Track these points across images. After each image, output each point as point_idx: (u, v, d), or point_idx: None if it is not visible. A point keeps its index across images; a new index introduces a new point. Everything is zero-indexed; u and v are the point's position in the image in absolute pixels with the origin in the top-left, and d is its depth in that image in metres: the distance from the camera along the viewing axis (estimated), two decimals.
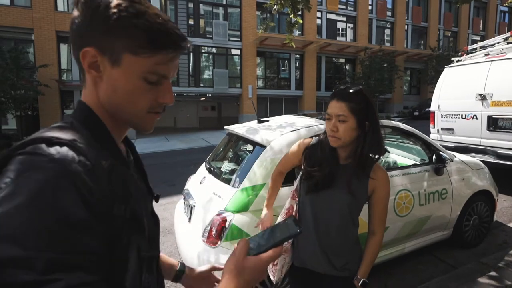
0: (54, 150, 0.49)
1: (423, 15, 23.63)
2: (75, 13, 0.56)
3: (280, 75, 20.42)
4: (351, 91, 1.24)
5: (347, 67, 22.24)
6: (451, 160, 2.98)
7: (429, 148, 2.98)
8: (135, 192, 0.60)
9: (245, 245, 0.64)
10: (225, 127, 3.17)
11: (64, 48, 15.36)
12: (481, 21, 26.15)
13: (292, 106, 20.28)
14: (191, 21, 17.52)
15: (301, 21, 3.53)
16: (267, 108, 19.81)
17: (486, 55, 5.26)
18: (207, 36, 17.72)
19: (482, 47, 5.57)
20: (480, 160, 3.64)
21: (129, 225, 0.56)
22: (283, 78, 20.35)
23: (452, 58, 5.98)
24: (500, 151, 4.66)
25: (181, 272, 0.92)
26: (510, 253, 2.83)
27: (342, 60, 22.11)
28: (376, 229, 1.34)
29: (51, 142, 0.50)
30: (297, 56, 20.01)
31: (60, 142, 0.51)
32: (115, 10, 0.54)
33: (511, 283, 2.24)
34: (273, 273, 1.53)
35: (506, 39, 5.24)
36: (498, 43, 5.34)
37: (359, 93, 1.23)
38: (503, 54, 4.84)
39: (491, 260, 2.80)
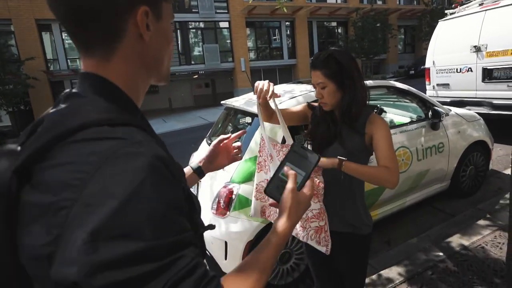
0: (126, 132, 0.46)
1: None
2: None
3: (271, 45, 19.97)
4: (322, 58, 1.31)
5: (340, 30, 21.70)
6: (447, 114, 3.04)
7: (424, 104, 3.02)
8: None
9: (295, 180, 0.68)
10: (222, 102, 3.19)
11: (47, 37, 14.90)
12: None
13: (287, 76, 20.01)
14: None
15: None
16: (262, 79, 19.49)
17: (481, 4, 5.14)
18: (193, 10, 17.12)
19: None
20: (476, 112, 3.70)
21: (189, 204, 0.54)
22: (275, 48, 19.92)
23: (446, 11, 5.85)
24: (495, 101, 4.70)
25: (200, 171, 1.00)
26: (506, 197, 2.97)
27: (334, 24, 21.52)
28: (388, 164, 1.25)
29: (113, 123, 0.46)
30: (287, 23, 19.45)
31: (123, 123, 0.47)
32: None
33: (504, 223, 2.37)
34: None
35: None
36: None
37: (329, 58, 1.29)
38: (498, 2, 4.74)
39: (487, 206, 2.94)
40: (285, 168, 0.70)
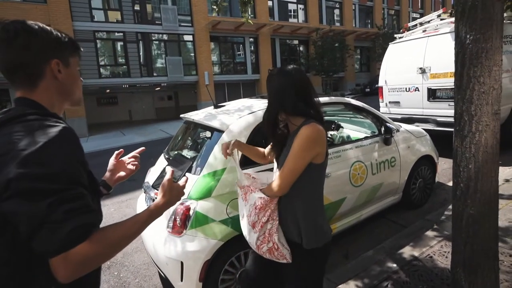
0: (52, 117, 0.82)
1: None
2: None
3: (235, 59, 20.20)
4: (269, 75, 1.43)
5: (301, 48, 22.61)
6: (397, 130, 3.23)
7: (378, 120, 3.19)
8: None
9: (172, 174, 1.02)
10: (181, 115, 3.11)
11: None
12: (419, 0, 27.88)
13: (250, 90, 20.28)
14: (137, 7, 16.51)
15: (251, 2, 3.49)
16: (226, 93, 19.62)
17: (424, 31, 5.67)
18: (156, 22, 16.85)
19: (421, 24, 5.98)
20: (423, 129, 3.99)
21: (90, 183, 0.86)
22: (239, 63, 20.17)
23: (395, 35, 6.35)
24: (439, 119, 5.13)
25: (105, 184, 1.22)
26: (449, 208, 3.19)
27: (296, 42, 22.39)
28: (279, 176, 1.33)
29: (44, 114, 0.81)
30: (251, 39, 19.87)
31: (50, 115, 0.83)
32: (61, 34, 0.91)
33: (449, 233, 2.53)
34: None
35: (439, 15, 5.68)
36: (433, 19, 5.76)
37: (271, 75, 1.42)
38: (438, 30, 5.25)
39: (434, 216, 3.14)
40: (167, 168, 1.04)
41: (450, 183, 4.15)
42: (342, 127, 3.57)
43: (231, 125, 2.40)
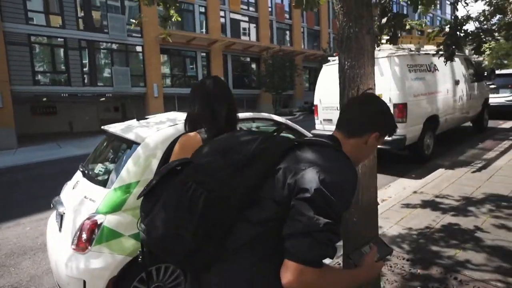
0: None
1: (315, 19, 26.36)
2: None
3: (187, 73, 20.09)
4: None
5: (253, 65, 23.28)
6: None
7: (300, 136, 3.40)
8: None
9: (375, 252, 1.02)
10: (102, 127, 3.00)
11: None
12: None
13: None
14: (81, 14, 15.72)
15: (179, 18, 3.55)
16: (176, 106, 19.29)
17: None
18: (104, 31, 16.18)
19: None
20: None
21: None
22: (190, 76, 20.09)
23: (329, 58, 6.88)
24: None
25: None
26: None
27: (248, 59, 23.02)
28: None
29: (336, 147, 0.98)
30: (203, 54, 19.99)
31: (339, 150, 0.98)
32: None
33: None
34: None
35: None
36: None
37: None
38: None
39: None
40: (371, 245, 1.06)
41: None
42: None
43: (148, 137, 2.38)
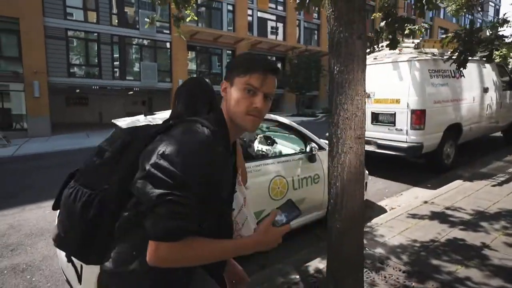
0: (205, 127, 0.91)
1: None
2: None
3: (212, 70, 20.40)
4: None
5: (278, 64, 23.19)
6: (319, 149, 3.39)
7: (304, 138, 3.38)
8: (225, 181, 0.99)
9: (273, 217, 0.97)
10: (113, 120, 3.15)
11: None
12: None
13: None
14: (115, 10, 16.42)
15: (195, 18, 3.63)
16: None
17: (375, 58, 6.05)
18: (136, 27, 16.80)
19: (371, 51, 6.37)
20: (365, 150, 4.22)
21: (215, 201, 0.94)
22: (216, 74, 20.38)
23: None
24: (379, 141, 5.45)
25: None
26: (368, 224, 3.39)
27: (273, 58, 22.96)
28: None
29: (202, 124, 0.91)
30: (229, 52, 20.20)
31: (206, 126, 0.90)
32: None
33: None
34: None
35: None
36: (384, 48, 6.17)
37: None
38: (382, 59, 5.64)
39: None
40: (274, 211, 0.99)
41: (380, 203, 4.41)
42: (276, 143, 3.75)
43: None
